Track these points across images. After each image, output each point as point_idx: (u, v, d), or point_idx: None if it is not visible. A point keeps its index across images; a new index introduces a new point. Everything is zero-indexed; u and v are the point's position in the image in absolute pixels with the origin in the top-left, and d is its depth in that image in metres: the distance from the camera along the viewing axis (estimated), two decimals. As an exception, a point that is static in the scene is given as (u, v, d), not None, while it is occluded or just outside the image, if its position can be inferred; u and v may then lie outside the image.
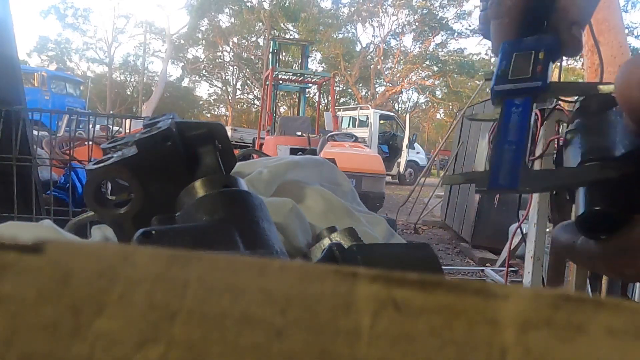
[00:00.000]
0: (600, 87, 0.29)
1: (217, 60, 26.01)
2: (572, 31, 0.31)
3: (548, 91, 0.30)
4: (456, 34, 23.31)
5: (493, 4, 0.33)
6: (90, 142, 1.50)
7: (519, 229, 2.26)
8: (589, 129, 0.28)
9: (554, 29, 0.32)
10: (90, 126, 1.56)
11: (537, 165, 2.02)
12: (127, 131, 1.67)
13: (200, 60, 26.10)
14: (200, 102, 28.49)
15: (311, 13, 22.68)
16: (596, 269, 0.27)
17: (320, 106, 13.15)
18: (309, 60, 11.10)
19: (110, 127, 1.84)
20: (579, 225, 0.26)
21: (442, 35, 23.61)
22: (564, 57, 0.34)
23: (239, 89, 26.96)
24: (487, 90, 0.32)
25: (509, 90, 0.30)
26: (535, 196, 1.98)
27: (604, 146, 0.26)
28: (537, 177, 0.27)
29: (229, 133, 2.16)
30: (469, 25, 22.66)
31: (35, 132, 1.54)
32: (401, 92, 24.37)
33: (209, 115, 27.73)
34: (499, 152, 0.27)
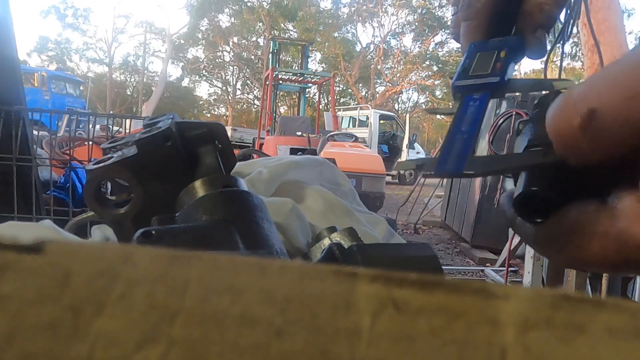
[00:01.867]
0: (555, 83, 0.30)
1: (217, 60, 26.02)
2: (536, 34, 0.33)
3: (505, 87, 0.31)
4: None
5: (463, 7, 0.35)
6: (90, 142, 1.50)
7: (519, 229, 2.26)
8: (540, 120, 0.28)
9: (519, 32, 0.34)
10: (90, 126, 1.56)
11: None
12: (127, 131, 1.67)
13: (200, 60, 26.12)
14: (200, 102, 28.51)
15: (308, 12, 22.68)
16: (533, 248, 0.27)
17: (320, 106, 13.16)
18: (309, 60, 11.10)
19: (110, 127, 1.84)
20: (516, 207, 0.26)
21: (442, 35, 23.64)
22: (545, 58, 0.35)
23: (239, 89, 26.98)
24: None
25: (468, 86, 0.32)
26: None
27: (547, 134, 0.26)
28: (480, 162, 0.27)
29: (229, 133, 2.16)
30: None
31: (35, 132, 1.54)
32: (401, 92, 24.39)
33: (209, 115, 27.73)
34: (450, 140, 0.28)
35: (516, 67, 0.34)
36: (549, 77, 1.63)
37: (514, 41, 0.33)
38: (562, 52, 0.38)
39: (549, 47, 0.37)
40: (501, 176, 4.19)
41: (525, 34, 0.33)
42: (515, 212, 0.27)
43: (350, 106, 16.81)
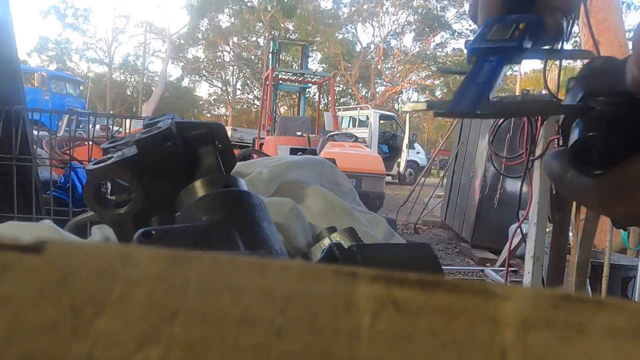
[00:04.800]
0: (574, 53, 0.30)
1: (217, 60, 26.02)
2: (554, 15, 0.32)
3: (522, 53, 0.30)
4: (456, 34, 23.34)
5: None
6: (90, 142, 1.50)
7: (519, 229, 2.26)
8: (590, 75, 0.27)
9: (538, 14, 0.33)
10: (90, 126, 1.56)
11: (537, 166, 2.02)
12: (127, 131, 1.67)
13: (200, 60, 26.12)
14: (200, 102, 28.52)
15: (306, 9, 22.66)
16: (585, 203, 0.26)
17: (320, 106, 13.16)
18: (309, 60, 11.10)
19: (110, 127, 1.84)
20: (572, 157, 0.24)
21: (442, 37, 23.66)
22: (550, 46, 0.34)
23: (239, 89, 27.00)
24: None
25: (484, 48, 0.31)
26: (535, 196, 1.98)
27: (606, 86, 0.25)
28: (496, 105, 0.26)
29: (229, 133, 2.17)
30: (470, 26, 22.65)
31: (35, 132, 1.54)
32: (401, 92, 24.39)
33: (209, 115, 27.73)
34: (464, 87, 0.27)
35: (532, 44, 0.32)
36: (548, 76, 1.62)
37: (533, 17, 0.32)
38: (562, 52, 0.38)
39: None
40: (501, 176, 4.19)
41: (543, 15, 0.32)
42: (570, 162, 0.25)
43: (350, 106, 16.82)
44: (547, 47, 0.34)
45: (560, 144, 0.28)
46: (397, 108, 24.64)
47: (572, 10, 0.33)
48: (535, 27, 0.32)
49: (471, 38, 0.33)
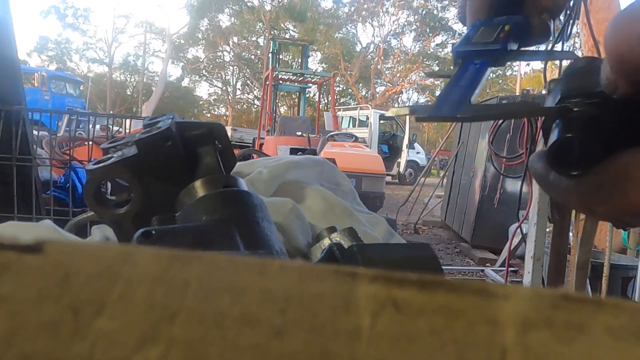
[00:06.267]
0: (557, 54, 0.30)
1: (217, 60, 26.02)
2: (541, 16, 0.33)
3: (506, 56, 0.31)
4: (457, 34, 23.33)
5: None
6: (90, 142, 1.50)
7: (519, 229, 2.26)
8: (570, 77, 0.27)
9: (525, 15, 0.33)
10: (90, 126, 1.56)
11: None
12: (127, 131, 1.67)
13: (200, 60, 26.12)
14: (200, 102, 28.52)
15: (316, 12, 22.71)
16: (568, 203, 0.26)
17: (320, 106, 13.15)
18: (309, 60, 11.09)
19: (110, 127, 1.84)
20: (550, 158, 0.25)
21: (443, 36, 23.67)
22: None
23: (239, 89, 26.99)
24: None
25: (469, 52, 0.31)
26: (535, 196, 1.98)
27: (583, 87, 0.25)
28: (476, 109, 0.27)
29: (229, 133, 2.17)
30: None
31: (35, 132, 1.54)
32: (401, 92, 24.38)
33: (209, 115, 27.72)
34: (447, 90, 0.28)
35: (518, 46, 0.33)
36: (548, 76, 1.62)
37: (519, 19, 0.33)
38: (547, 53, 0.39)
39: (549, 47, 0.36)
40: (501, 176, 4.19)
41: (530, 16, 0.33)
42: (549, 163, 0.25)
43: (350, 106, 16.81)
44: (533, 48, 0.34)
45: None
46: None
47: (560, 11, 0.33)
48: (521, 29, 0.32)
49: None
